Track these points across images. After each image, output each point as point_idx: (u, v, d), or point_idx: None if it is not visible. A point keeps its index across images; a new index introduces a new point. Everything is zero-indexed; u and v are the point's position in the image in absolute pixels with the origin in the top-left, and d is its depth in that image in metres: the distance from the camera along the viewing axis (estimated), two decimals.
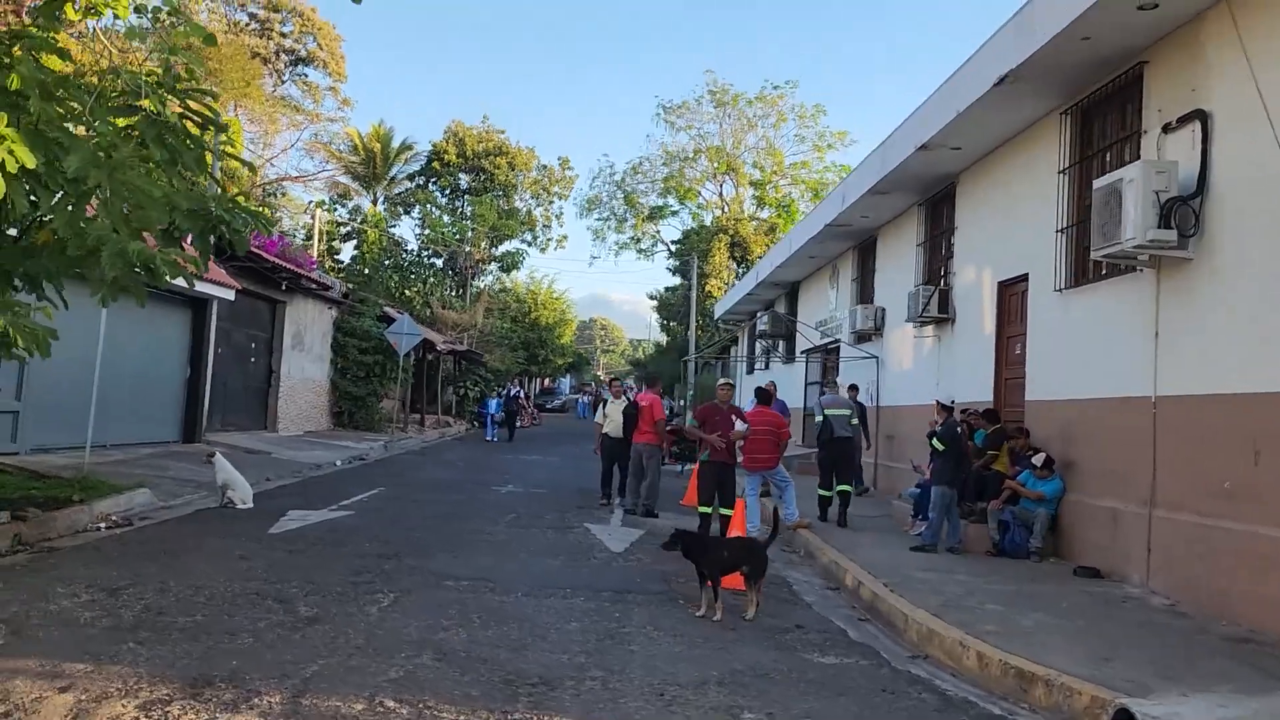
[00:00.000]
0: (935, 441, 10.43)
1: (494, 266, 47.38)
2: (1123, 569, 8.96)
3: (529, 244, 49.52)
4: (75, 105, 6.87)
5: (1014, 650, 6.22)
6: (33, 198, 6.56)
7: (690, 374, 45.39)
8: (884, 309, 17.75)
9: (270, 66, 43.01)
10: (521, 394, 31.57)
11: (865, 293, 20.01)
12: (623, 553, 9.65)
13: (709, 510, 10.96)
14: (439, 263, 42.34)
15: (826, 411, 13.99)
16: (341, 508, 11.65)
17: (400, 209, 45.65)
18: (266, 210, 29.14)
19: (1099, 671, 5.81)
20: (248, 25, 44.29)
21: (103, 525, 9.70)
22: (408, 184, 45.61)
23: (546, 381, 77.40)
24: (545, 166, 51.09)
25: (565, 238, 76.39)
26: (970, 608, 7.58)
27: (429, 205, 45.19)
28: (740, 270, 56.88)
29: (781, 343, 28.85)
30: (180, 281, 7.53)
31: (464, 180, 48.02)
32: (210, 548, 8.57)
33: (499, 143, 48.05)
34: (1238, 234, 7.75)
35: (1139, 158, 9.13)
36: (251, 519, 10.47)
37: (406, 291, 36.98)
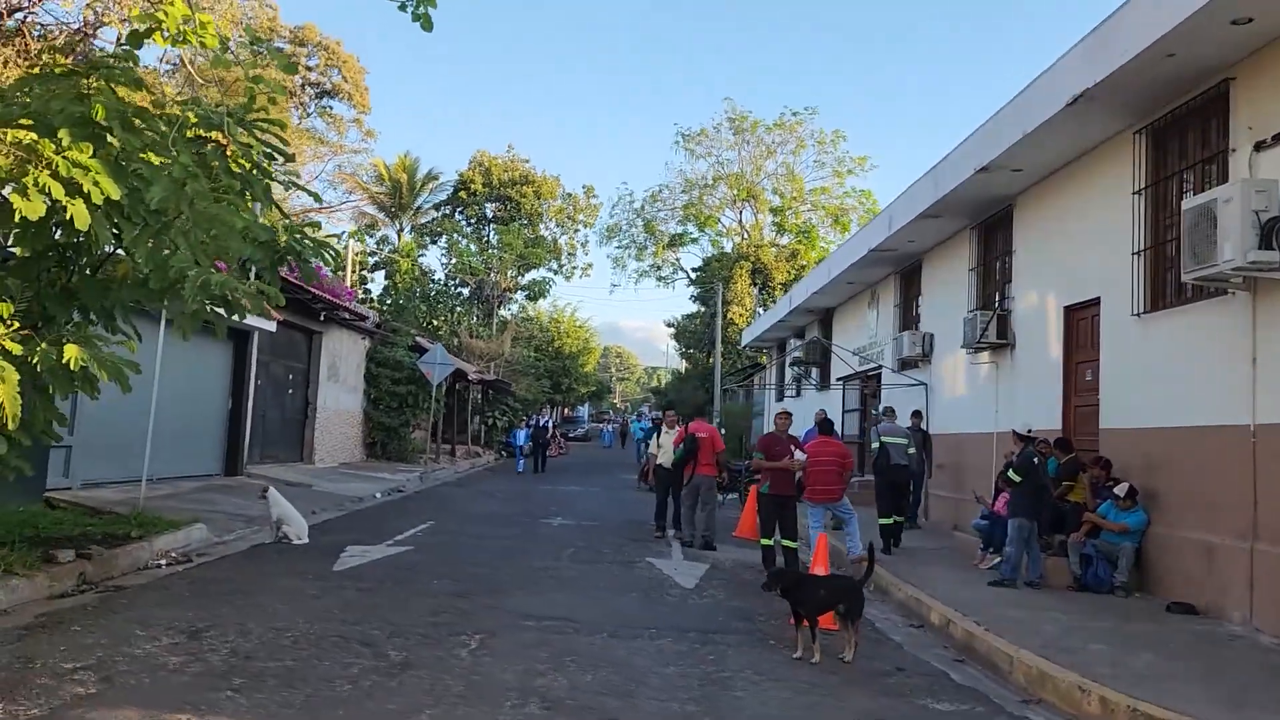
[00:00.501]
0: (1011, 472, 10.10)
1: (520, 295, 47.32)
2: (1220, 605, 8.60)
3: (555, 272, 49.47)
4: (153, 135, 6.73)
5: (1139, 695, 5.90)
6: (115, 230, 6.41)
7: (716, 401, 45.25)
8: (932, 335, 17.47)
9: (295, 100, 43.27)
10: (550, 424, 31.10)
11: (908, 319, 19.77)
12: (695, 589, 9.36)
13: (770, 543, 10.69)
14: (465, 292, 42.28)
15: (884, 439, 13.78)
16: (398, 543, 11.40)
17: (426, 238, 45.72)
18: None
19: (1238, 717, 5.50)
20: (269, 63, 44.73)
21: (163, 562, 9.49)
22: (434, 213, 45.67)
23: (566, 410, 77.22)
24: (570, 194, 51.15)
25: (590, 265, 76.52)
26: (1073, 648, 7.25)
27: (455, 234, 45.22)
28: (762, 297, 56.84)
29: (815, 370, 28.58)
30: (250, 316, 7.37)
31: (489, 209, 48.10)
32: (280, 586, 8.33)
33: (525, 171, 48.14)
34: None
35: (1225, 177, 8.89)
36: (312, 555, 10.23)
37: (434, 321, 36.89)
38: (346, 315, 23.55)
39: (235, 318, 6.84)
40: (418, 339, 28.71)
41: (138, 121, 6.67)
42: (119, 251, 6.79)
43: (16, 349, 5.90)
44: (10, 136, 5.90)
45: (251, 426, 18.86)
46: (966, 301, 15.48)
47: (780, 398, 36.07)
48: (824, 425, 11.64)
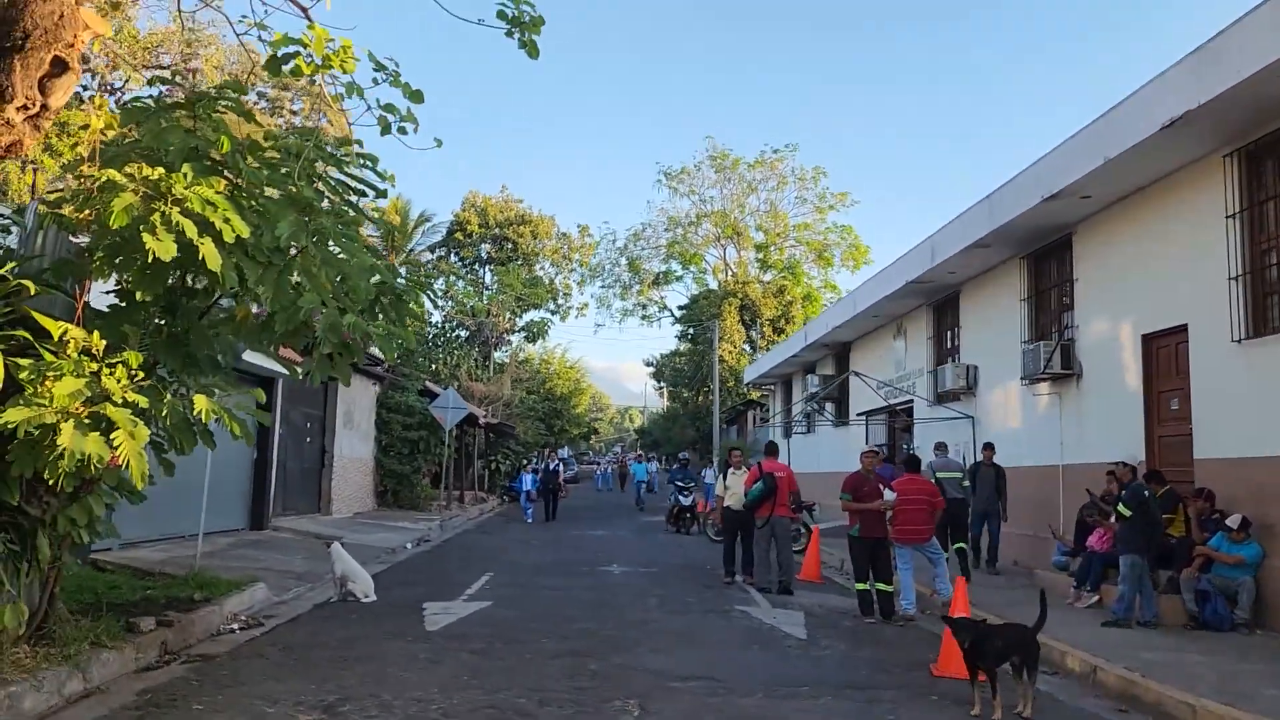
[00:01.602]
0: (1121, 507, 9.73)
1: (518, 336, 46.77)
2: None
3: (553, 312, 49.01)
4: (269, 169, 6.27)
5: None
6: (237, 270, 5.93)
7: (716, 438, 44.81)
8: (975, 366, 17.19)
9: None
10: (560, 467, 29.57)
11: (942, 351, 19.51)
12: (809, 639, 8.86)
13: (866, 587, 10.24)
14: (463, 334, 41.70)
15: (938, 474, 13.55)
16: (474, 598, 10.79)
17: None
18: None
19: None
20: (257, 104, 44.21)
21: (235, 626, 8.87)
22: (429, 255, 45.16)
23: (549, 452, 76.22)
24: (565, 234, 50.85)
25: (586, 305, 76.15)
26: (1247, 694, 6.84)
27: (453, 276, 44.68)
28: (750, 334, 56.68)
29: (830, 405, 28.22)
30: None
31: (485, 250, 47.65)
32: (386, 651, 7.74)
33: (520, 212, 47.80)
34: None
35: None
36: (391, 614, 9.62)
37: (434, 365, 36.23)
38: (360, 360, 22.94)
39: (354, 361, 6.35)
40: (427, 383, 28.07)
41: (253, 157, 6.22)
42: (228, 296, 6.28)
43: (144, 402, 5.38)
44: (141, 173, 5.42)
45: (274, 477, 18.17)
46: (1020, 331, 15.21)
47: (788, 435, 35.71)
48: (910, 463, 11.21)
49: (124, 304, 6.21)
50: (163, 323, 6.26)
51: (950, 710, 6.44)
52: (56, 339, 5.45)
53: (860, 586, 10.24)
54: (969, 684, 6.50)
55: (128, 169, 5.45)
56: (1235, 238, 10.15)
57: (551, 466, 26.52)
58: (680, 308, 59.16)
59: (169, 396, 5.63)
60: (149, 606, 8.64)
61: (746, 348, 55.23)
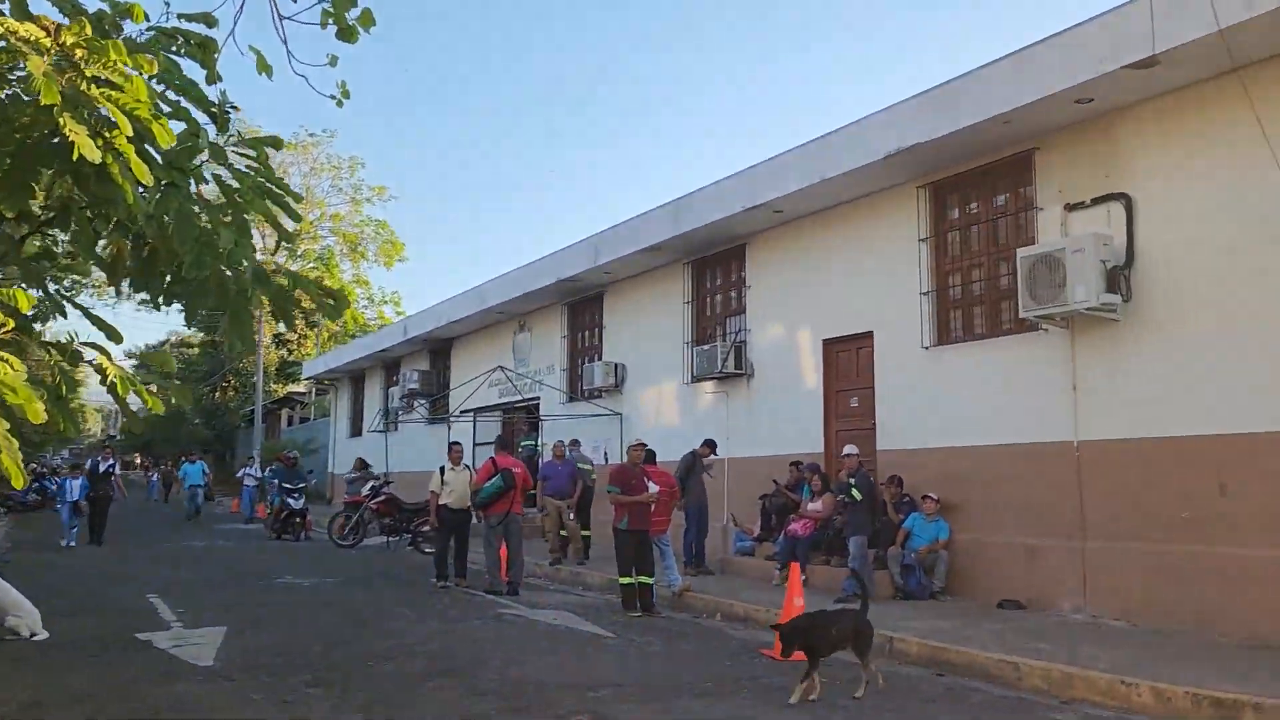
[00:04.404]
0: (854, 491, 10.73)
1: None
2: (1050, 598, 9.91)
3: None
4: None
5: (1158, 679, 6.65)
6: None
7: (257, 437, 41.43)
8: (624, 365, 17.85)
9: None
10: (115, 467, 23.31)
11: (579, 349, 19.96)
12: (619, 637, 8.54)
13: (631, 580, 10.17)
14: None
15: (578, 466, 15.16)
16: (192, 625, 8.78)
17: None
18: None
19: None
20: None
21: None
22: None
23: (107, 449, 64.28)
24: None
25: None
26: (1021, 647, 7.90)
27: None
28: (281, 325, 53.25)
29: (424, 401, 27.38)
30: None
31: None
32: (182, 697, 6.01)
33: None
34: (1165, 298, 9.14)
35: (1030, 233, 10.46)
36: (112, 652, 7.50)
37: None
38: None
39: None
40: None
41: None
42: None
43: None
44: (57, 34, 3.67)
45: None
46: (683, 333, 16.09)
47: (357, 433, 33.96)
48: (649, 455, 11.31)
49: None
50: None
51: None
52: None
53: (624, 580, 10.12)
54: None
55: (25, 27, 3.61)
56: (925, 258, 11.72)
57: (102, 468, 20.43)
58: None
59: None
60: None
61: (271, 339, 51.73)
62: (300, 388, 51.84)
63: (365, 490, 18.79)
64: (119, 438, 64.80)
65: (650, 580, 10.24)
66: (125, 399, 4.18)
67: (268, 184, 4.46)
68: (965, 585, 10.86)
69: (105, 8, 4.02)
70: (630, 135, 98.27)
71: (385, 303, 58.64)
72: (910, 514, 11.27)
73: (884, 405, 12.21)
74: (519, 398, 21.68)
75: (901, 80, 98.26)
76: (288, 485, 20.15)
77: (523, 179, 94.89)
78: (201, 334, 53.17)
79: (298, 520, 20.01)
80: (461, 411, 24.20)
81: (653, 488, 10.38)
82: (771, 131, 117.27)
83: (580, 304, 19.76)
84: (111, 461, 22.02)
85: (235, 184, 4.43)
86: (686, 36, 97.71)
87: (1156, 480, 9.11)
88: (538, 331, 21.43)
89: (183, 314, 4.97)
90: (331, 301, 4.68)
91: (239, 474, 28.36)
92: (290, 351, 54.67)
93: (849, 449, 11.22)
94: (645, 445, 10.85)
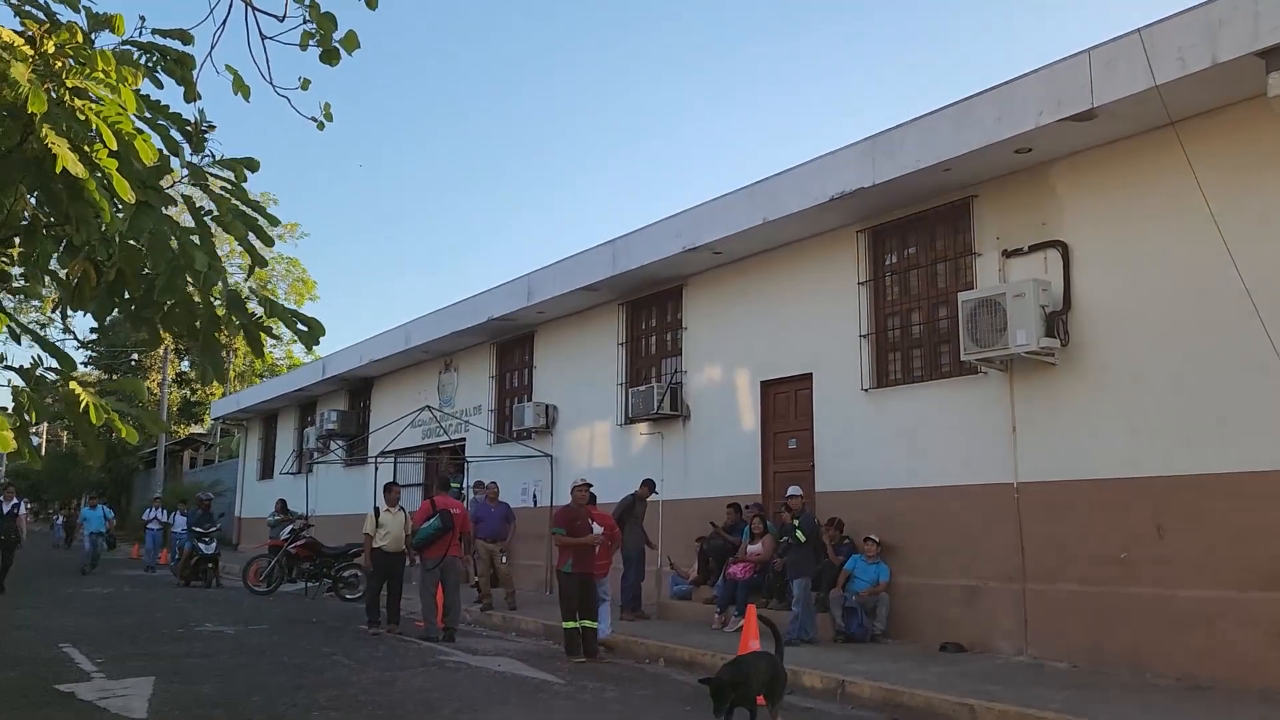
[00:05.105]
0: (798, 534, 10.69)
1: None
2: (987, 641, 9.99)
3: None
4: None
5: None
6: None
7: (161, 478, 39.93)
8: (555, 405, 17.63)
9: None
10: (22, 508, 21.60)
11: (508, 390, 19.65)
12: (570, 684, 8.28)
13: (574, 625, 9.92)
14: None
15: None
16: (117, 676, 8.20)
17: None
18: None
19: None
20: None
21: None
22: None
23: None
24: None
25: None
26: (973, 691, 7.91)
27: None
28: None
29: (342, 442, 26.57)
30: None
31: None
32: None
33: None
34: (1102, 342, 9.40)
35: (968, 278, 10.68)
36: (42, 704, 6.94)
37: None
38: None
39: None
40: None
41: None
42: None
43: None
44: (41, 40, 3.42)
45: None
46: (617, 374, 15.99)
47: (269, 475, 32.78)
48: (592, 498, 11.08)
49: None
50: None
51: None
52: None
53: (568, 625, 9.86)
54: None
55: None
56: (865, 301, 11.87)
57: (5, 509, 18.48)
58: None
59: None
60: None
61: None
62: (203, 429, 50.04)
63: (284, 534, 18.07)
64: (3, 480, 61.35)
65: (594, 625, 10.01)
66: (97, 429, 3.88)
67: (242, 206, 4.23)
68: (906, 628, 10.88)
69: (79, 20, 3.77)
70: (566, 182, 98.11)
71: (295, 342, 57.20)
72: (851, 556, 11.27)
73: (823, 447, 12.25)
74: (444, 438, 21.25)
75: (843, 131, 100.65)
76: (199, 529, 19.24)
77: (453, 222, 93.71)
78: (97, 371, 51.07)
79: (209, 566, 19.11)
80: (383, 453, 23.64)
81: (596, 529, 10.20)
82: (712, 178, 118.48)
83: (510, 343, 19.51)
84: (16, 501, 20.63)
85: (211, 206, 4.18)
86: (629, 82, 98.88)
87: (1095, 521, 9.28)
88: (464, 371, 21.07)
89: (145, 339, 4.66)
90: (306, 329, 4.43)
91: (144, 515, 26.94)
92: (193, 391, 52.83)
93: (793, 489, 11.19)
94: (589, 486, 10.64)
